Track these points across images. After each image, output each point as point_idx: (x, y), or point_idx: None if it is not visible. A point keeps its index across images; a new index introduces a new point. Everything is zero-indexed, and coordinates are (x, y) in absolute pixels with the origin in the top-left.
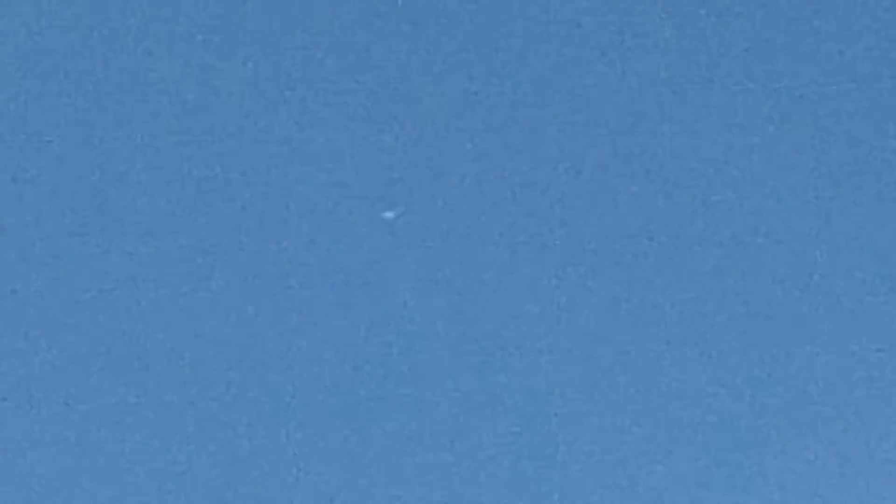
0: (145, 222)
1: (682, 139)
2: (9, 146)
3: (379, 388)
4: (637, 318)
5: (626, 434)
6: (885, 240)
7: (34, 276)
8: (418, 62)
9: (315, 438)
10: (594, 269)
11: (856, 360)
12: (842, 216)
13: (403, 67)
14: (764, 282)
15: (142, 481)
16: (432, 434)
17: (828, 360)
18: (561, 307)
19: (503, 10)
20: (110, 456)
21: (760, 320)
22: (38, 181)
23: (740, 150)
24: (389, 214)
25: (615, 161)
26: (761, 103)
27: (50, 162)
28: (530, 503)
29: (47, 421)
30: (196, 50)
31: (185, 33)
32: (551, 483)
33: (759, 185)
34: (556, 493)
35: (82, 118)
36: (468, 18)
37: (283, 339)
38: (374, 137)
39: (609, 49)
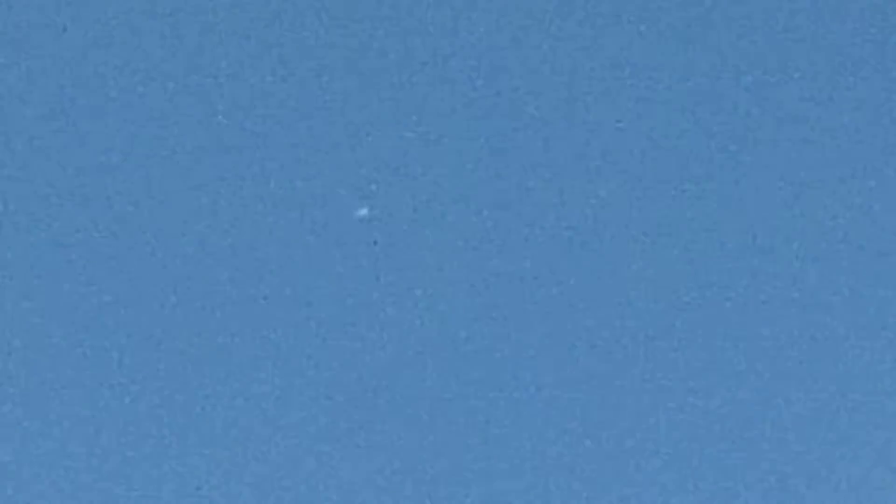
0: (142, 222)
1: (678, 138)
2: (9, 146)
3: (376, 388)
4: (634, 317)
5: (625, 434)
6: (885, 239)
7: (33, 275)
8: (412, 61)
9: (315, 438)
10: (593, 268)
11: (856, 359)
12: (842, 216)
13: (396, 66)
14: (764, 280)
15: (140, 482)
16: (429, 434)
17: (828, 358)
18: (558, 306)
19: (497, 9)
20: (110, 455)
21: (760, 319)
22: (35, 179)
23: (736, 147)
24: (363, 212)
25: (614, 158)
26: (760, 101)
27: (47, 160)
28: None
29: (46, 420)
30: (192, 49)
31: (181, 31)
32: (550, 483)
33: (759, 183)
34: (556, 493)
35: (79, 116)
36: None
37: (281, 339)
38: (369, 135)
39: (605, 48)
